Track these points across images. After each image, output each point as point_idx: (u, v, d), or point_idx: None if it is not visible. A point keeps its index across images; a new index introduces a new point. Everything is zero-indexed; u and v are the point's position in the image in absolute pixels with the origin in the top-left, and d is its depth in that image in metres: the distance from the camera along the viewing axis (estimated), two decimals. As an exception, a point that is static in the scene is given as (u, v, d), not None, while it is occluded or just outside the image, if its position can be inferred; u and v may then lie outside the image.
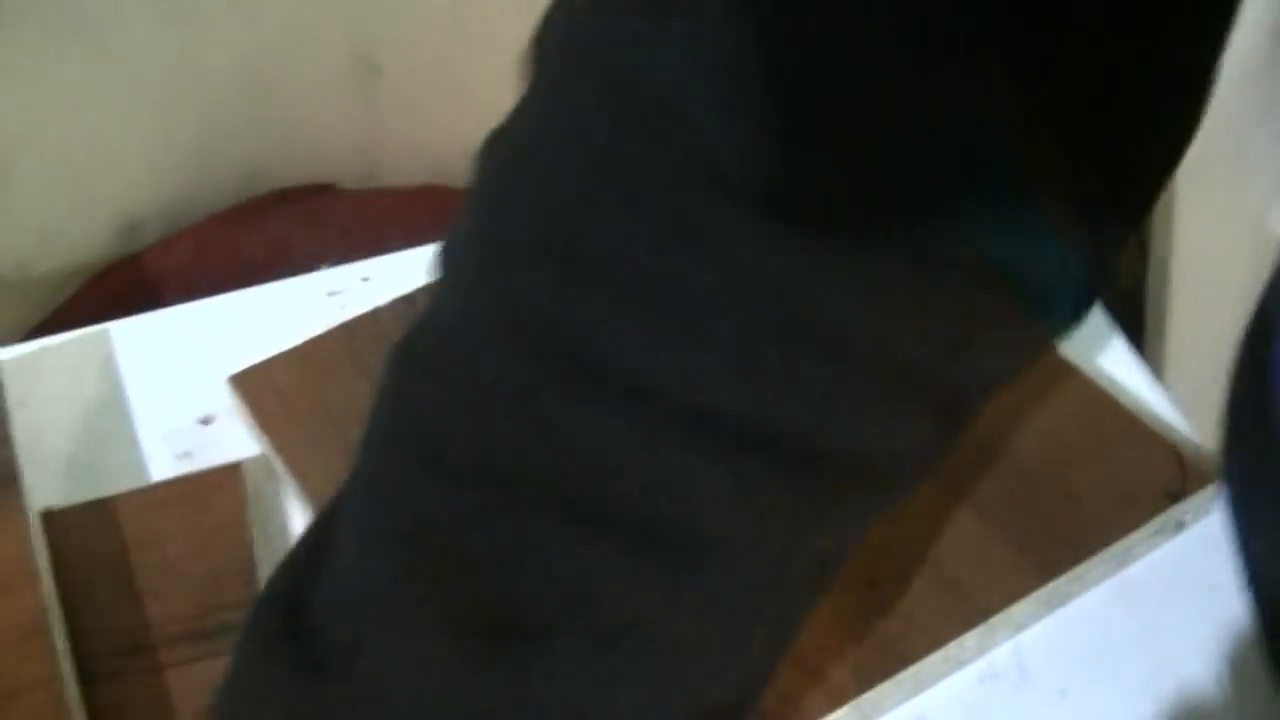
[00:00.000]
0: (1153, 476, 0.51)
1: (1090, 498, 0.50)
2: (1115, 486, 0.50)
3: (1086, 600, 0.49)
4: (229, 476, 0.53)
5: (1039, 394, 0.53)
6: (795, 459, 0.31)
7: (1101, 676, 0.46)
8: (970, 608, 0.46)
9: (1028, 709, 0.45)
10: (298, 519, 0.54)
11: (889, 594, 0.46)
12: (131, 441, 0.58)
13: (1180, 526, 0.51)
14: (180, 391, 0.60)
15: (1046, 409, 0.53)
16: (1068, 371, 0.55)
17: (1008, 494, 0.50)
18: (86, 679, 0.46)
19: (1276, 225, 0.74)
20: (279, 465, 0.54)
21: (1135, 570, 0.50)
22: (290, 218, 1.04)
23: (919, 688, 0.45)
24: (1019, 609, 0.46)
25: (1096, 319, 0.59)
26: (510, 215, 0.33)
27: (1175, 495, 0.50)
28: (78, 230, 1.00)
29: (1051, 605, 0.48)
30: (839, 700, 0.43)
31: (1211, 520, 0.52)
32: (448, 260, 0.35)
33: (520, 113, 0.34)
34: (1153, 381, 0.57)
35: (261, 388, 0.56)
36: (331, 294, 0.64)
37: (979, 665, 0.46)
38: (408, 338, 0.35)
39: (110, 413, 0.59)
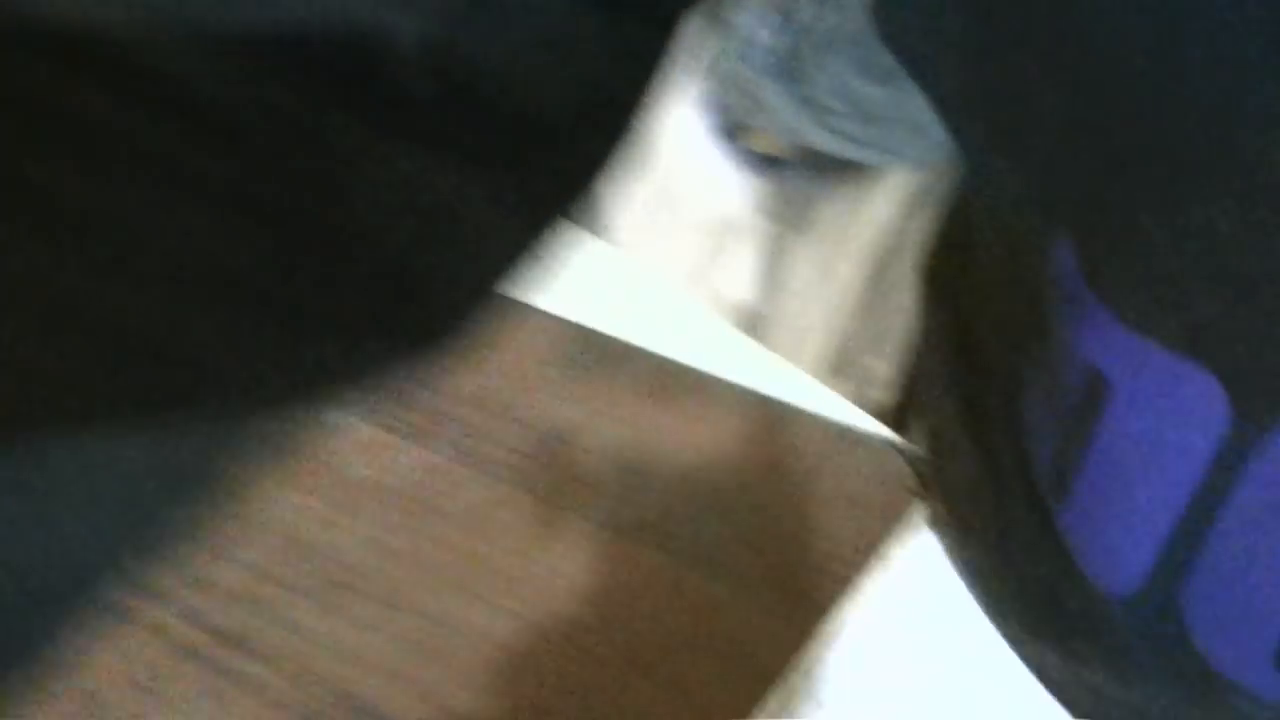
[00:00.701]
0: (882, 476, 0.49)
1: (830, 519, 0.48)
2: (850, 498, 0.49)
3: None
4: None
5: (745, 437, 0.52)
6: None
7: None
8: (754, 673, 0.44)
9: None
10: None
11: (668, 680, 0.44)
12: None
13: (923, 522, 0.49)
14: None
15: (756, 450, 0.51)
16: (757, 404, 0.53)
17: (748, 547, 0.48)
18: None
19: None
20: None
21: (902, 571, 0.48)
22: None
23: None
24: (808, 652, 0.45)
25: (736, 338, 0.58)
26: None
27: (915, 491, 0.49)
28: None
29: (832, 637, 0.46)
30: None
31: None
32: None
33: None
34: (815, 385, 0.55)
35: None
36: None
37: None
38: None
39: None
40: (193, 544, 0.49)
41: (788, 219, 1.41)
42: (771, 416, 0.53)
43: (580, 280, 0.61)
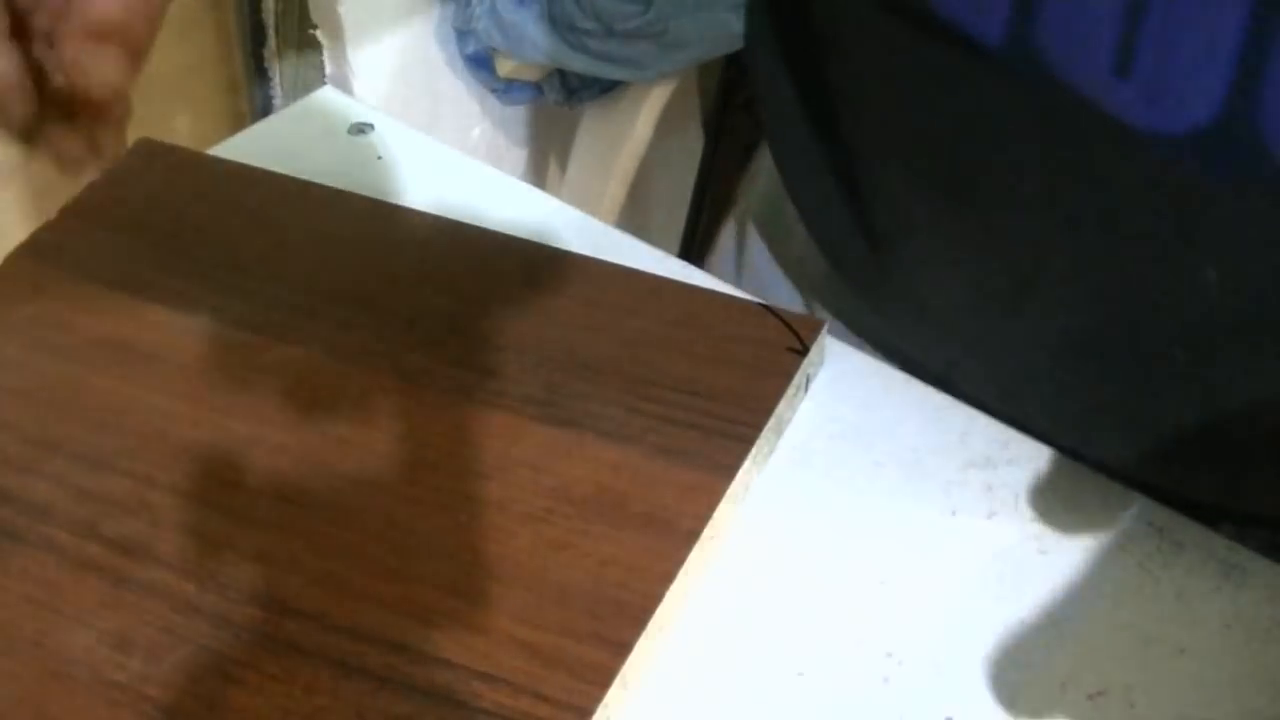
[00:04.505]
0: (766, 340, 0.50)
1: (720, 383, 0.49)
2: (737, 362, 0.49)
3: (769, 481, 0.49)
4: None
5: (629, 309, 0.52)
6: None
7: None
8: (675, 535, 0.44)
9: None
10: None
11: (590, 552, 0.44)
12: None
13: (809, 382, 0.51)
14: None
15: (639, 321, 0.52)
16: (626, 278, 0.54)
17: (647, 416, 0.48)
18: None
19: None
20: None
21: (793, 436, 0.50)
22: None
23: (664, 630, 0.44)
24: (720, 514, 0.46)
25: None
26: None
27: (798, 349, 0.50)
28: None
29: (739, 500, 0.47)
30: (604, 680, 0.40)
31: (832, 367, 0.52)
32: None
33: None
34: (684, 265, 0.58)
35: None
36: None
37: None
38: None
39: None
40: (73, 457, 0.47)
41: (546, 143, 1.42)
42: (644, 289, 0.53)
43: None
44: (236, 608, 0.43)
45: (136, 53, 0.43)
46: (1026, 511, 0.47)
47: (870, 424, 0.50)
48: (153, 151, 0.60)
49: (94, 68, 0.42)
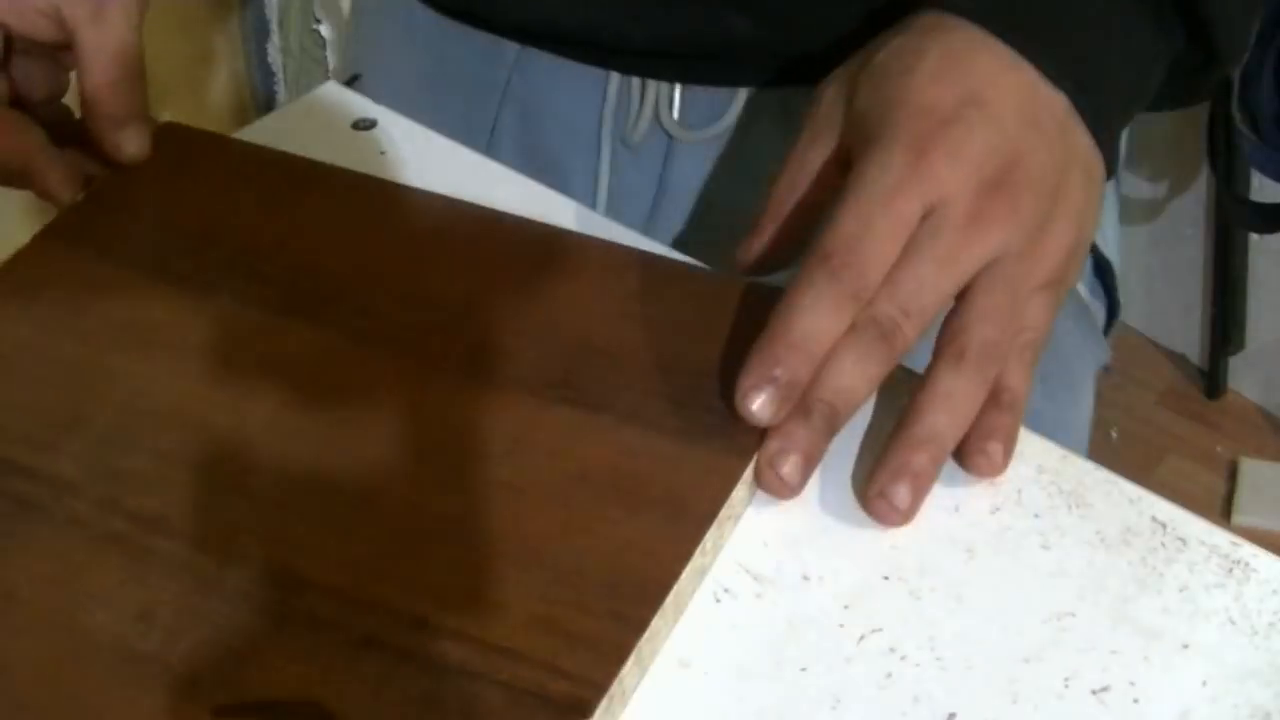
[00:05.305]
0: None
1: (737, 366, 0.48)
2: (749, 344, 0.50)
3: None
4: None
5: (647, 294, 0.53)
6: None
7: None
8: (692, 516, 0.44)
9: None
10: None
11: (606, 536, 0.44)
12: None
13: None
14: None
15: (658, 306, 0.52)
16: (652, 263, 0.54)
17: (665, 399, 0.48)
18: None
19: None
20: None
21: None
22: None
23: (680, 609, 0.44)
24: (737, 496, 0.46)
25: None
26: None
27: None
28: None
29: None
30: (620, 656, 0.41)
31: None
32: None
33: None
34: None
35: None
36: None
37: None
38: None
39: None
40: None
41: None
42: (663, 274, 0.54)
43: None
44: (255, 584, 0.43)
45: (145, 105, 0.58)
46: (1029, 507, 0.47)
47: (874, 419, 0.51)
48: (177, 135, 0.61)
49: (127, 146, 0.57)
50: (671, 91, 0.69)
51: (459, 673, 0.40)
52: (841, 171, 0.50)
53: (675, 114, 0.69)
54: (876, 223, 0.46)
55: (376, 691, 0.40)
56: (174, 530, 0.45)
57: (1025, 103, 0.49)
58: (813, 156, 0.51)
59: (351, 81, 0.79)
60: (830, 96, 0.52)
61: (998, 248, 0.47)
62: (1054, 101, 0.50)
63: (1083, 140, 0.51)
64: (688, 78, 0.68)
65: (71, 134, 0.58)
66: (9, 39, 0.56)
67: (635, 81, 0.69)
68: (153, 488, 0.46)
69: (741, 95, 0.68)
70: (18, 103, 0.58)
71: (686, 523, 0.44)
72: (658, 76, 0.68)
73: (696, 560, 0.44)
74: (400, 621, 0.42)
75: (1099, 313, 0.76)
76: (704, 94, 0.69)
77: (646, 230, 0.69)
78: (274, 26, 1.20)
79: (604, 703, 0.40)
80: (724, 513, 0.45)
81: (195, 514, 0.45)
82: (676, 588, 0.43)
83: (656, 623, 0.42)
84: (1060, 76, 0.50)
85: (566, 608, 0.42)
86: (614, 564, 0.43)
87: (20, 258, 0.55)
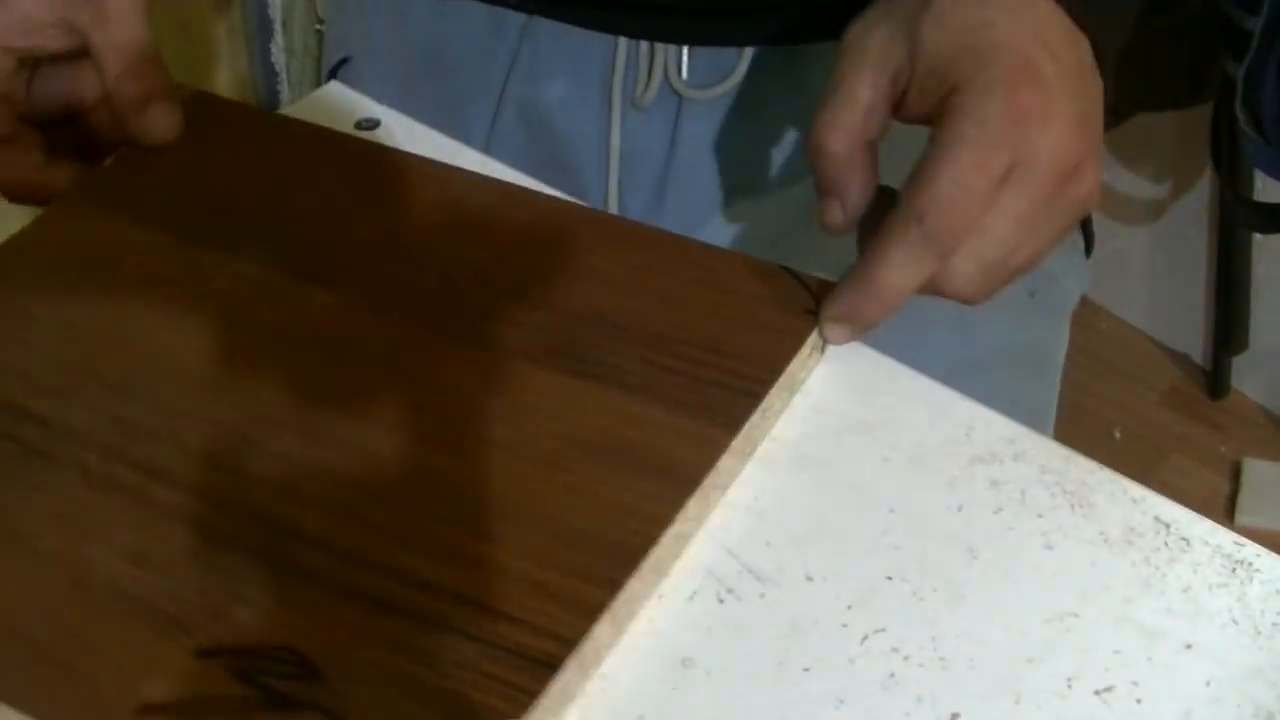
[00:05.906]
0: (785, 302, 0.52)
1: (737, 341, 0.50)
2: (755, 322, 0.51)
3: (770, 475, 0.49)
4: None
5: (653, 268, 0.54)
6: None
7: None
8: (677, 481, 0.46)
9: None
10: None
11: (592, 497, 0.45)
12: None
13: (824, 346, 0.52)
14: None
15: (662, 280, 0.53)
16: (658, 238, 0.55)
17: (663, 370, 0.50)
18: None
19: None
20: None
21: (797, 429, 0.50)
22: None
23: (660, 574, 0.45)
24: (724, 465, 0.47)
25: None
26: None
27: (814, 311, 0.51)
28: None
29: (746, 455, 0.49)
30: (593, 614, 0.42)
31: (836, 362, 0.53)
32: None
33: None
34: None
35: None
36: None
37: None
38: None
39: None
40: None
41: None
42: (668, 249, 0.55)
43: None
44: (249, 531, 0.45)
45: (167, 87, 0.59)
46: (1033, 507, 0.48)
47: (875, 419, 0.51)
48: (207, 104, 0.62)
49: (154, 128, 0.59)
50: (680, 53, 0.70)
51: (434, 623, 0.42)
52: (892, 108, 0.51)
53: (684, 74, 0.70)
54: (971, 183, 0.47)
55: (355, 634, 0.42)
56: (175, 479, 0.46)
57: (1076, 45, 0.51)
58: (863, 95, 0.51)
59: (340, 65, 0.79)
60: (882, 38, 0.51)
61: (1076, 207, 0.50)
62: (1081, 40, 0.51)
63: (1099, 81, 0.52)
64: (696, 39, 0.69)
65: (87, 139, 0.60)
66: (32, 59, 0.58)
67: (644, 46, 0.69)
68: (159, 439, 0.48)
69: (748, 53, 0.69)
70: (40, 117, 0.60)
71: (671, 489, 0.45)
72: (666, 39, 0.69)
73: (678, 526, 0.45)
74: (382, 571, 0.43)
75: (1078, 241, 0.78)
76: (711, 53, 0.70)
77: (659, 190, 0.71)
78: (277, 26, 1.20)
79: (574, 659, 0.41)
80: (709, 480, 0.46)
81: (198, 464, 0.47)
82: (655, 552, 0.44)
83: (633, 584, 0.43)
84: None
85: (544, 565, 0.43)
86: (597, 526, 0.44)
87: (48, 215, 0.57)
